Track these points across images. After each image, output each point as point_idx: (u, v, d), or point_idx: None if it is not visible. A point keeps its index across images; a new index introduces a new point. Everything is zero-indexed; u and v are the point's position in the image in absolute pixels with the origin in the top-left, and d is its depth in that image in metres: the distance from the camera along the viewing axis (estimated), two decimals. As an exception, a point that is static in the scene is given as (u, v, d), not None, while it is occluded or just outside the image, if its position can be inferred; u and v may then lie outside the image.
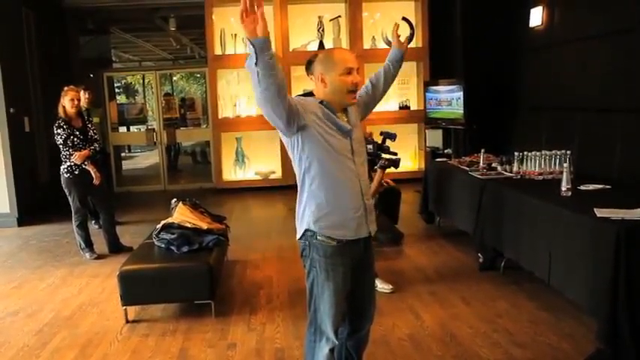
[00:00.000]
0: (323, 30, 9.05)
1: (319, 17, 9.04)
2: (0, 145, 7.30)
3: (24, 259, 5.93)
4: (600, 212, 3.39)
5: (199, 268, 4.07)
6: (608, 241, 3.15)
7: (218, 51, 9.10)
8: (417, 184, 7.70)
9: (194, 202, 5.11)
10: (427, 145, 8.92)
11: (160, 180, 10.47)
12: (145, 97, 19.53)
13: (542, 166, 4.69)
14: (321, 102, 2.48)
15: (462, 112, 7.53)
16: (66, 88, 5.58)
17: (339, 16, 9.10)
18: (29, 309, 4.47)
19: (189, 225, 4.54)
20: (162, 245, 4.37)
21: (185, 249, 4.29)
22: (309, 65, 4.33)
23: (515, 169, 4.90)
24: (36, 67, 8.24)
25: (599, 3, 5.72)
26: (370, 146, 4.54)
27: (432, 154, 8.52)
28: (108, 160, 9.17)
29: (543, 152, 4.74)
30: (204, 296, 4.08)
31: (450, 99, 7.86)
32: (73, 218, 5.71)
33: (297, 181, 2.57)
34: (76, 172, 5.52)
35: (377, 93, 2.88)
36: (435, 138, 8.75)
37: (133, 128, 14.60)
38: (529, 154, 4.79)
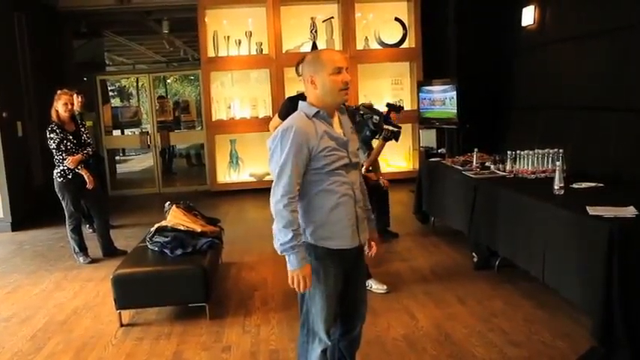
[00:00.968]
0: (316, 31, 9.05)
1: (312, 18, 9.04)
2: (-7, 150, 7.27)
3: (18, 264, 5.91)
4: (593, 210, 3.40)
5: (193, 271, 4.06)
6: (601, 239, 3.15)
7: (211, 53, 9.08)
8: (411, 184, 7.70)
9: (187, 205, 5.10)
10: (421, 145, 8.94)
11: (155, 183, 10.44)
12: (139, 100, 19.49)
13: (535, 164, 4.70)
14: (316, 114, 2.44)
15: (455, 111, 7.54)
16: (59, 92, 5.56)
17: (332, 17, 9.10)
18: (23, 314, 4.45)
19: (182, 228, 4.54)
20: (156, 248, 4.36)
21: (179, 252, 4.28)
22: (298, 67, 4.35)
23: (508, 168, 4.91)
24: (29, 70, 8.21)
25: (590, 1, 5.74)
26: (377, 117, 4.54)
27: (425, 153, 8.53)
28: (102, 163, 9.13)
29: (536, 151, 4.75)
30: (199, 299, 4.07)
31: (443, 99, 7.87)
32: (66, 222, 5.69)
33: None
34: (70, 177, 5.50)
35: None
36: (429, 138, 8.77)
37: (127, 131, 14.55)
38: (522, 153, 4.80)
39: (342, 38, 9.05)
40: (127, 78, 19.38)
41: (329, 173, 2.44)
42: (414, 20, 9.09)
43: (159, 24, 11.23)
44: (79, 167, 5.50)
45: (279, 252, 2.41)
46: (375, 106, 4.84)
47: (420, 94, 8.42)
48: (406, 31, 9.15)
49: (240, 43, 9.09)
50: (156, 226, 4.56)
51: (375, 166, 5.16)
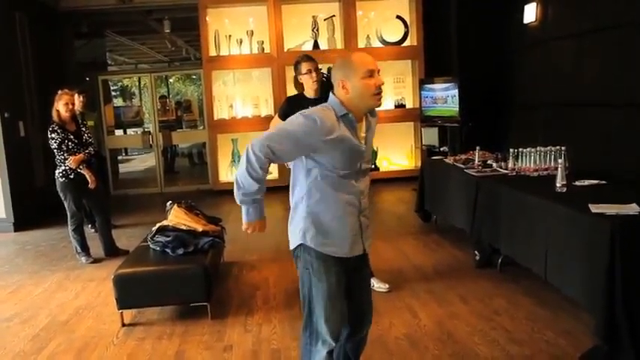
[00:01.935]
0: (317, 30, 9.03)
1: (313, 17, 9.02)
2: (-5, 150, 7.28)
3: (20, 264, 5.91)
4: (595, 208, 3.38)
5: (195, 271, 4.05)
6: (604, 237, 3.13)
7: (213, 52, 9.08)
8: (413, 183, 7.68)
9: (189, 204, 5.09)
10: (423, 143, 8.91)
11: (157, 182, 10.45)
12: (141, 99, 19.49)
13: (538, 162, 4.67)
14: (344, 115, 2.38)
15: (457, 109, 7.52)
16: (60, 92, 5.56)
17: (334, 16, 9.09)
18: (25, 314, 4.45)
19: (184, 227, 4.53)
20: (158, 248, 4.36)
21: (180, 251, 4.27)
22: (296, 67, 4.34)
23: (510, 165, 4.88)
24: (30, 71, 8.22)
25: (592, -2, 5.72)
26: None
27: (427, 152, 8.51)
28: (103, 163, 9.15)
29: (538, 149, 4.72)
30: (200, 298, 4.06)
31: (445, 97, 7.85)
32: (68, 222, 5.69)
33: (293, 185, 2.56)
34: (71, 177, 5.50)
35: None
36: (431, 136, 8.74)
37: (129, 131, 14.58)
38: (524, 150, 4.77)
39: (344, 36, 9.04)
40: (129, 78, 19.41)
41: (338, 179, 2.41)
42: (416, 18, 9.07)
43: (160, 23, 11.23)
44: (81, 167, 5.50)
45: (237, 200, 2.47)
46: None
47: (422, 92, 8.40)
48: (408, 29, 9.14)
49: (241, 42, 9.08)
50: (157, 225, 4.55)
51: None
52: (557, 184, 3.97)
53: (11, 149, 7.44)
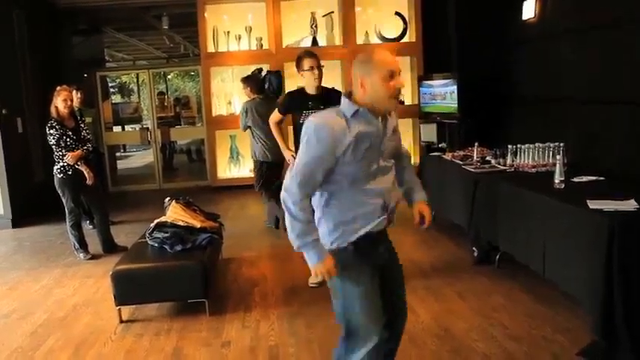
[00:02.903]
0: (316, 26, 9.00)
1: (312, 13, 8.99)
2: (-7, 147, 7.27)
3: (18, 260, 5.91)
4: (593, 204, 3.38)
5: (193, 267, 4.05)
6: (602, 233, 3.13)
7: (211, 48, 9.06)
8: (412, 179, 7.67)
9: (187, 201, 5.09)
10: (422, 139, 8.90)
11: (155, 179, 10.44)
12: (139, 96, 19.45)
13: (536, 158, 4.67)
14: (354, 113, 2.29)
15: (456, 106, 7.51)
16: (59, 88, 5.54)
17: (332, 12, 9.06)
18: (23, 310, 4.45)
19: (182, 224, 4.52)
20: (156, 244, 4.36)
21: (178, 248, 4.27)
22: (298, 62, 4.33)
23: (509, 162, 4.89)
24: (28, 67, 8.20)
25: (591, -6, 5.71)
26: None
27: (426, 148, 8.49)
28: (102, 160, 9.13)
29: (537, 145, 4.72)
30: (198, 295, 4.07)
31: (444, 93, 7.84)
32: (66, 219, 5.68)
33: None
34: (70, 173, 5.49)
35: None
36: (430, 132, 8.72)
37: (127, 127, 14.55)
38: (523, 146, 4.77)
39: (342, 33, 9.02)
40: (127, 74, 19.36)
41: (356, 182, 2.33)
42: (415, 14, 9.04)
43: (158, 20, 11.20)
44: (79, 163, 5.49)
45: (295, 248, 2.31)
46: None
47: (421, 88, 8.39)
48: (406, 25, 9.11)
49: (240, 38, 9.06)
50: (155, 221, 4.55)
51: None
52: (556, 181, 3.98)
53: (9, 146, 7.42)
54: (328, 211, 2.39)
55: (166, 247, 4.28)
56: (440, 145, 8.20)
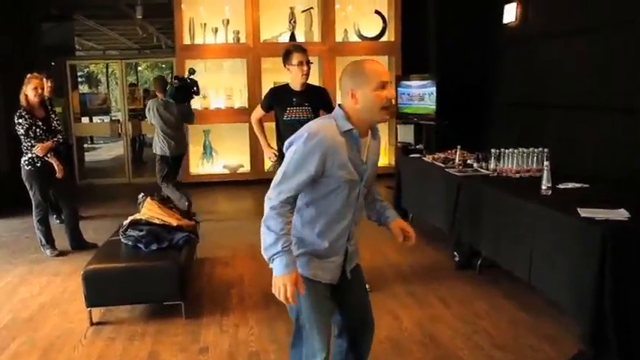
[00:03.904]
0: (295, 22, 8.87)
1: (291, 9, 8.85)
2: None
3: (-20, 255, 5.64)
4: (584, 212, 3.33)
5: (169, 268, 3.89)
6: (594, 242, 3.08)
7: (187, 40, 8.84)
8: (387, 180, 7.63)
9: (162, 197, 4.92)
10: (398, 140, 8.84)
11: (125, 172, 10.17)
12: (108, 87, 19.02)
13: (520, 163, 4.62)
14: (348, 131, 2.22)
15: (434, 107, 7.46)
16: (29, 76, 5.28)
17: (312, 8, 8.94)
18: (-15, 310, 4.22)
19: (157, 221, 4.35)
20: (130, 243, 4.17)
21: (154, 247, 4.09)
22: (286, 56, 4.20)
23: (492, 166, 4.83)
24: (-7, 53, 7.85)
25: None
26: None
27: (403, 149, 8.44)
28: (71, 152, 8.82)
29: (520, 149, 4.67)
30: (174, 297, 3.90)
31: (422, 94, 7.79)
32: (33, 213, 5.44)
33: None
34: (38, 165, 5.25)
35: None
36: (407, 133, 8.68)
37: (95, 119, 14.19)
38: (506, 151, 4.72)
39: (321, 29, 8.90)
40: (96, 64, 18.92)
41: (336, 203, 2.26)
42: (395, 14, 8.98)
43: (132, 9, 10.90)
44: (49, 155, 5.26)
45: (265, 257, 2.21)
46: None
47: (399, 88, 8.32)
48: (386, 24, 9.04)
49: (217, 31, 8.86)
50: (130, 219, 4.36)
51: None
52: (543, 187, 3.92)
53: (-28, 134, 7.09)
54: (301, 220, 2.31)
55: (141, 245, 4.10)
56: (417, 147, 8.16)
